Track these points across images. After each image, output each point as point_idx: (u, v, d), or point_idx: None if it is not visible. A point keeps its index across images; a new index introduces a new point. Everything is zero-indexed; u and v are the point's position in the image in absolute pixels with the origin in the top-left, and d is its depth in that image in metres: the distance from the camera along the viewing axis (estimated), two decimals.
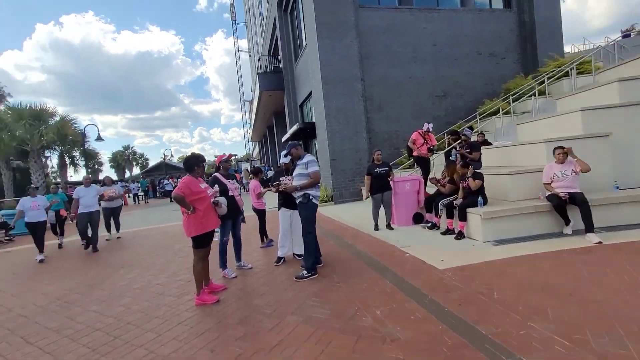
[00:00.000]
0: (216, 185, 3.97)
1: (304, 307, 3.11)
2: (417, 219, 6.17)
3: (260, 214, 5.76)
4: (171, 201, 17.02)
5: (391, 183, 5.98)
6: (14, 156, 17.60)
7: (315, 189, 4.03)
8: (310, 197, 3.97)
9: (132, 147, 65.41)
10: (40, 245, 6.46)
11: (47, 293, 4.43)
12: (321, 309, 3.03)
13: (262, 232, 5.85)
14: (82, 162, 19.33)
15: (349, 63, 10.91)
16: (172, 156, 30.29)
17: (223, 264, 4.33)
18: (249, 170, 22.26)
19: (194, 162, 3.58)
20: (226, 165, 4.52)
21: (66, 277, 5.19)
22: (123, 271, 5.12)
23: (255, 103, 24.78)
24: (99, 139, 15.27)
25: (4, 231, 9.74)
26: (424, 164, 6.96)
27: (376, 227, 6.02)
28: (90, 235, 6.87)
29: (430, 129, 6.86)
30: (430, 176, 6.37)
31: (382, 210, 6.04)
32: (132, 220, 11.71)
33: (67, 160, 19.46)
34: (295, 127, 13.27)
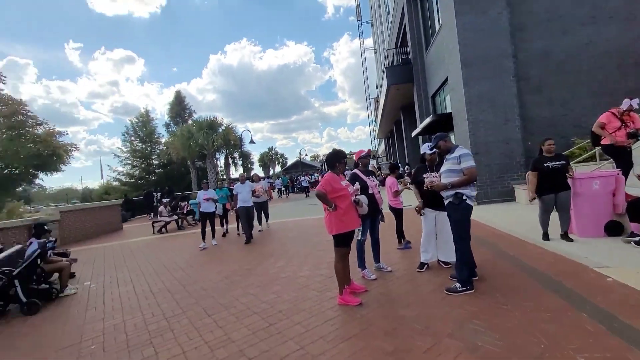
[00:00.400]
0: (357, 183, 3.84)
1: (465, 330, 2.58)
2: (613, 229, 4.55)
3: (398, 213, 5.40)
4: (307, 196, 18.61)
5: (569, 181, 4.60)
6: (197, 158, 22.84)
7: (471, 187, 3.39)
8: (464, 197, 3.35)
9: (274, 149, 76.24)
10: (211, 232, 7.85)
11: (219, 271, 5.31)
12: (487, 336, 2.45)
13: (399, 232, 5.47)
14: (240, 162, 23.68)
15: (496, 39, 9.24)
16: (305, 155, 33.46)
17: (362, 264, 4.19)
18: (376, 166, 22.15)
19: (335, 159, 3.54)
20: (365, 162, 4.36)
21: (230, 260, 6.15)
22: (272, 259, 5.68)
23: (381, 100, 24.48)
24: (252, 142, 18.18)
25: (192, 216, 12.62)
26: (621, 156, 5.10)
27: (545, 237, 4.75)
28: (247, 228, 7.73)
29: (636, 106, 4.95)
30: (637, 172, 4.58)
31: (553, 215, 4.73)
32: (277, 213, 13.28)
33: (230, 161, 24.12)
34: (427, 120, 12.29)
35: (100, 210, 12.60)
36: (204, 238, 7.67)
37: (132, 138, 29.67)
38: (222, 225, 9.25)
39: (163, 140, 29.64)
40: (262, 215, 9.10)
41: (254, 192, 8.27)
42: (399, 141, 28.37)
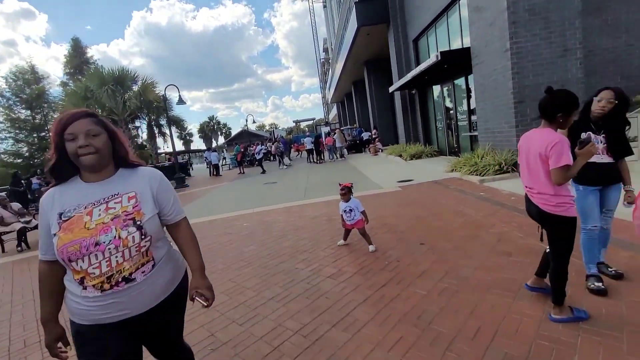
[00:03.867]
0: None
1: None
2: None
3: None
4: (263, 172, 14.68)
5: None
6: None
7: None
8: None
9: (215, 118, 68.47)
10: None
11: None
12: None
13: None
14: (167, 131, 18.32)
15: None
16: (253, 122, 28.49)
17: None
18: (343, 132, 18.77)
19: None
20: None
21: None
22: None
23: (343, 53, 20.68)
24: (181, 101, 13.32)
25: None
26: None
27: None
28: None
29: None
30: None
31: None
32: (219, 201, 9.31)
33: (155, 130, 18.62)
34: (429, 62, 8.88)
35: None
36: None
37: (11, 103, 21.76)
38: None
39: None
40: None
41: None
42: (361, 103, 25.20)
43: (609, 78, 6.59)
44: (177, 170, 13.57)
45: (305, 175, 12.06)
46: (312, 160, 16.33)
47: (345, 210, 3.75)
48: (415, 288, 2.66)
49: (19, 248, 6.12)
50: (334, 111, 53.08)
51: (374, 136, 16.87)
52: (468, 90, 9.34)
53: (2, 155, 22.27)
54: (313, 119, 50.50)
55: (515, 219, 4.01)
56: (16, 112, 21.91)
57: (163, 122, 17.63)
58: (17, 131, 21.74)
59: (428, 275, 2.86)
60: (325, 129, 31.67)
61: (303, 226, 5.08)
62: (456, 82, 10.04)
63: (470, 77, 9.13)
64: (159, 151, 35.82)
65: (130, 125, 16.40)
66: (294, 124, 52.45)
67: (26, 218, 6.46)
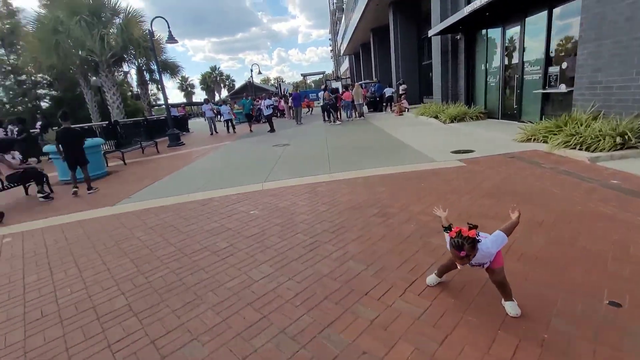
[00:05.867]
0: None
1: None
2: None
3: None
4: (271, 130, 12.56)
5: None
6: (90, 72, 14.60)
7: None
8: None
9: (218, 69, 64.27)
10: None
11: None
12: None
13: None
14: (171, 80, 15.76)
15: None
16: (259, 72, 25.31)
17: None
18: (363, 86, 16.23)
19: None
20: None
21: None
22: None
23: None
24: (171, 38, 10.80)
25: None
26: None
27: None
28: None
29: None
30: None
31: None
32: (213, 173, 7.40)
33: (147, 76, 16.11)
34: None
35: None
36: None
37: None
38: None
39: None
40: None
41: None
42: (381, 54, 22.16)
43: None
44: (170, 125, 11.48)
45: (322, 137, 9.98)
46: (327, 119, 14.10)
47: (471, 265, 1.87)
48: None
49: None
50: (345, 65, 48.91)
51: (401, 92, 14.39)
52: (549, 30, 6.94)
53: None
54: (323, 73, 46.73)
55: None
56: None
57: (153, 66, 14.99)
58: None
59: None
60: (336, 84, 28.75)
61: (342, 225, 3.21)
62: (529, 19, 7.56)
63: (557, 10, 6.72)
64: (158, 102, 33.14)
65: (114, 69, 13.96)
66: (302, 78, 48.77)
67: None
